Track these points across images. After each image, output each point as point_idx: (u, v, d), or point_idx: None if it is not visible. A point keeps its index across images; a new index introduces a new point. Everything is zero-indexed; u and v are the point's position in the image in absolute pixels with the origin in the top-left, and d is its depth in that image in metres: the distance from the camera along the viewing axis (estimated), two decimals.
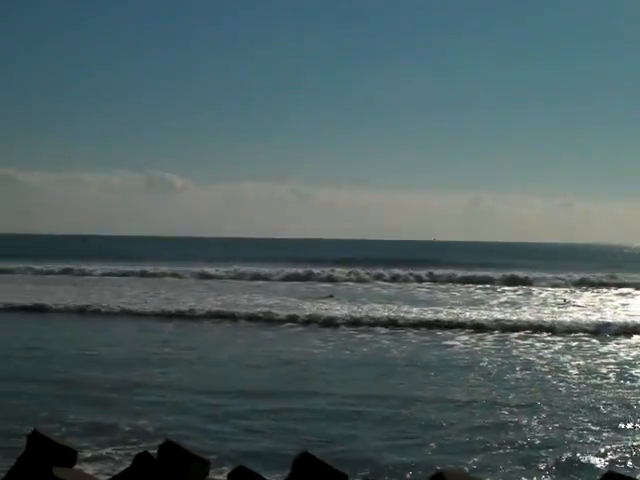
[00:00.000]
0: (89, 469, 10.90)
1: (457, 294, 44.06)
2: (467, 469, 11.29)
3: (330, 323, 29.15)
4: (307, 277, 53.73)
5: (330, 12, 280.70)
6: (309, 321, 29.56)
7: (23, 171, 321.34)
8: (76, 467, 9.67)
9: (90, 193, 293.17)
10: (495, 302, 39.00)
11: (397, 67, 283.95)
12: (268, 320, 29.95)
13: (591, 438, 13.26)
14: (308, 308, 33.50)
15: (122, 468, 9.69)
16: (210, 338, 25.78)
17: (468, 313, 32.23)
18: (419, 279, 53.17)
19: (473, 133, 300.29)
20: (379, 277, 54.13)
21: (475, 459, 11.98)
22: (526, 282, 51.29)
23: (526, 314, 32.66)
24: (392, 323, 28.94)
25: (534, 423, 14.28)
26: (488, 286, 49.72)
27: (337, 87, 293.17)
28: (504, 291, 46.67)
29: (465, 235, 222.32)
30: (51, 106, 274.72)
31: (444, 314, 31.74)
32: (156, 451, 9.15)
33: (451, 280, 52.72)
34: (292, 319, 29.91)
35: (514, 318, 30.51)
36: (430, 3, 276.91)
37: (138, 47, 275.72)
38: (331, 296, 40.30)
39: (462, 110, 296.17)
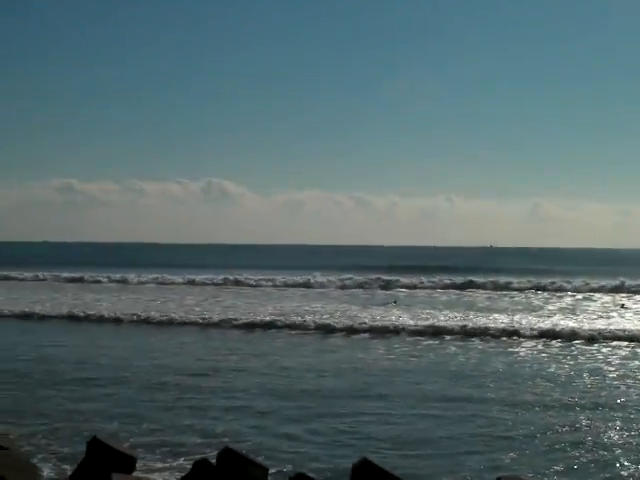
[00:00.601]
0: (159, 479, 10.69)
1: (517, 300, 43.51)
2: (547, 478, 10.83)
3: (395, 330, 28.71)
4: (367, 284, 53.41)
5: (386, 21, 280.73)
6: (374, 328, 29.16)
7: (84, 181, 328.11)
8: (137, 474, 9.51)
9: (150, 202, 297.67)
10: (555, 308, 38.45)
11: (454, 76, 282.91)
12: (333, 328, 29.52)
13: None
14: (372, 315, 33.23)
15: None
16: (276, 346, 25.56)
17: (530, 320, 31.80)
18: (479, 286, 52.48)
19: (532, 141, 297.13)
20: (438, 284, 53.51)
21: (555, 466, 11.70)
22: (585, 288, 50.47)
23: (587, 320, 32.22)
24: (457, 330, 28.45)
25: (610, 428, 13.97)
26: (547, 292, 49.12)
27: (397, 96, 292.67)
28: (563, 297, 46.01)
29: (524, 241, 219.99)
30: (110, 117, 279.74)
31: (507, 321, 31.36)
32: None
33: (510, 287, 51.96)
34: (357, 327, 29.58)
35: (576, 325, 29.97)
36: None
37: (196, 57, 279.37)
38: (395, 302, 39.89)
39: (523, 117, 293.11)
